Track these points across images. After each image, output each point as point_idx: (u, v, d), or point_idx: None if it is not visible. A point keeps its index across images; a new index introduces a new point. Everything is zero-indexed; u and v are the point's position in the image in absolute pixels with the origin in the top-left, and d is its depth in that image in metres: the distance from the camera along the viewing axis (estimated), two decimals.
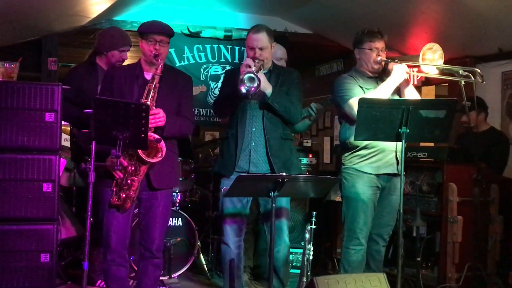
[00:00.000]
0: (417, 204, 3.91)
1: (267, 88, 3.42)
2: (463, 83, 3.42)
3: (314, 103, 4.44)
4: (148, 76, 3.20)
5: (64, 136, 3.69)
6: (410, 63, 3.50)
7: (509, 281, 3.98)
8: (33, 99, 3.09)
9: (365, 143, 3.48)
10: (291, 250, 4.57)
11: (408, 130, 3.15)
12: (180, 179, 4.71)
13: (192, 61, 5.89)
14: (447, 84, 5.56)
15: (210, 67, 5.96)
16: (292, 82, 3.59)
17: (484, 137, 4.68)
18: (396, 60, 3.50)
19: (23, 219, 3.09)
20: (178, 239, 4.50)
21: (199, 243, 4.64)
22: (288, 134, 3.64)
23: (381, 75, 3.62)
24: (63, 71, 5.45)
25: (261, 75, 3.38)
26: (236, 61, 5.95)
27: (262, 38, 3.48)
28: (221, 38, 5.91)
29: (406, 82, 3.52)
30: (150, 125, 2.98)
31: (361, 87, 3.55)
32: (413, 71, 3.92)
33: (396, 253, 3.25)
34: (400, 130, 3.16)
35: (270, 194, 3.02)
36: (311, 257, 3.34)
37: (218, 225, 3.76)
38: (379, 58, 3.53)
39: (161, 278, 4.20)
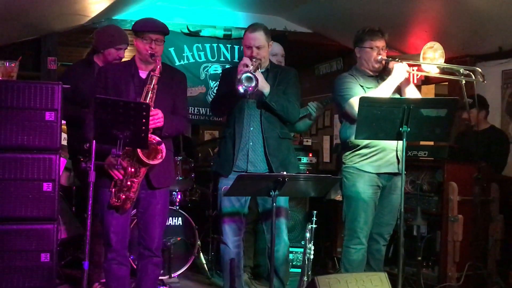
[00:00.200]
0: (417, 203, 3.90)
1: (264, 87, 3.41)
2: (463, 82, 3.42)
3: (312, 102, 4.42)
4: (143, 74, 3.18)
5: (63, 135, 3.68)
6: (411, 62, 3.50)
7: (510, 280, 3.98)
8: (33, 98, 3.08)
9: (366, 142, 3.47)
10: (291, 249, 4.57)
11: (409, 129, 3.15)
12: (180, 178, 4.71)
13: (191, 60, 5.88)
14: (447, 83, 5.56)
15: (210, 66, 5.94)
16: (290, 81, 3.58)
17: (484, 135, 4.68)
18: (397, 59, 3.49)
19: (23, 218, 3.08)
20: (178, 239, 4.49)
21: (199, 242, 4.63)
22: (286, 133, 3.63)
23: (382, 74, 3.62)
24: (62, 70, 5.43)
25: (259, 74, 3.37)
26: (236, 60, 5.94)
27: (259, 37, 3.47)
28: (221, 37, 5.90)
29: (407, 81, 3.51)
30: (149, 126, 2.97)
31: (361, 86, 3.54)
32: (413, 70, 3.93)
33: (397, 253, 3.24)
34: (401, 129, 3.16)
35: (271, 193, 3.01)
36: (312, 257, 3.33)
37: (218, 225, 3.75)
38: (379, 57, 3.52)
39: (161, 277, 4.20)
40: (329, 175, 3.20)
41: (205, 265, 4.73)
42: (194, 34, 5.82)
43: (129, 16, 5.58)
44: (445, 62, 3.50)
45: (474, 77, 3.45)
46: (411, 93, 3.54)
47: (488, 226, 4.06)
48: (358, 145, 3.51)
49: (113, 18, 5.54)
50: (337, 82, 3.62)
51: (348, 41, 5.98)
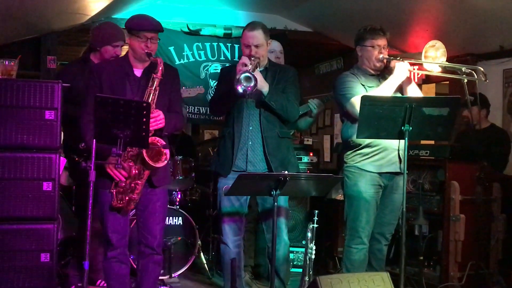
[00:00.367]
0: (419, 203, 3.89)
1: (263, 86, 3.39)
2: (465, 81, 3.40)
3: (313, 100, 4.40)
4: (137, 73, 3.16)
5: None
6: (413, 61, 3.48)
7: None
8: (33, 97, 3.06)
9: (367, 141, 3.45)
10: (292, 249, 4.56)
11: (411, 128, 3.13)
12: (180, 177, 4.70)
13: (191, 59, 5.86)
14: (447, 82, 5.54)
15: (210, 65, 5.92)
16: (289, 80, 3.56)
17: (485, 134, 4.66)
18: (399, 58, 3.47)
19: (23, 218, 3.06)
20: (179, 238, 4.48)
21: (199, 242, 4.61)
22: (285, 132, 3.61)
23: (383, 72, 3.60)
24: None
25: (258, 73, 3.35)
26: (236, 59, 5.92)
27: (257, 36, 3.44)
28: (221, 36, 5.88)
29: (409, 80, 3.49)
30: (151, 128, 2.97)
31: (363, 85, 3.52)
32: (414, 69, 3.91)
33: (399, 252, 3.23)
34: (403, 128, 3.14)
35: (272, 192, 2.99)
36: (313, 256, 3.32)
37: (218, 225, 3.74)
38: (381, 56, 3.50)
39: (161, 277, 4.18)
40: (330, 174, 3.18)
41: (205, 265, 4.71)
42: (194, 33, 5.80)
43: (129, 15, 5.46)
44: (446, 61, 3.49)
45: (476, 76, 3.43)
46: (413, 92, 3.52)
47: (490, 226, 4.05)
48: (360, 144, 3.49)
49: (113, 16, 5.52)
50: (338, 81, 3.60)
51: (348, 40, 5.98)
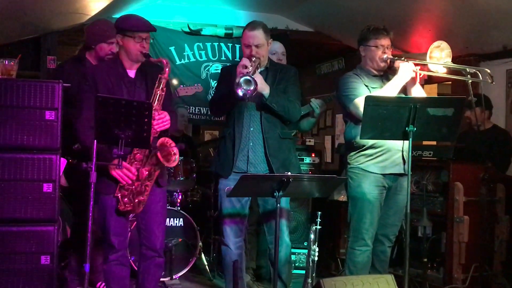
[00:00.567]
0: (423, 204, 3.86)
1: (264, 89, 3.36)
2: (470, 81, 3.37)
3: (315, 100, 4.37)
4: (131, 74, 3.14)
5: None
6: (417, 62, 3.44)
7: None
8: (33, 97, 3.02)
9: (371, 142, 3.42)
10: (294, 250, 4.53)
11: (415, 129, 3.09)
12: (181, 178, 4.67)
13: (192, 59, 5.83)
14: (450, 82, 5.51)
15: (211, 66, 5.90)
16: (290, 80, 3.53)
17: (487, 135, 4.63)
18: (403, 58, 3.43)
19: (23, 220, 3.02)
20: (179, 240, 4.45)
21: (200, 243, 4.58)
22: (287, 133, 3.58)
23: (387, 73, 3.57)
24: None
25: (258, 75, 3.31)
26: (237, 59, 5.90)
27: (258, 35, 3.41)
28: (222, 36, 5.86)
29: (413, 80, 3.46)
30: (158, 129, 3.01)
31: (366, 86, 3.49)
32: (417, 69, 3.86)
33: (402, 254, 3.20)
34: (407, 128, 3.10)
35: (275, 194, 2.96)
36: (316, 258, 3.28)
37: (219, 226, 3.72)
38: (385, 56, 3.47)
39: (162, 279, 4.16)
40: (334, 175, 3.15)
41: (206, 266, 4.68)
42: (195, 33, 5.77)
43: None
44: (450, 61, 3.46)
45: (481, 78, 3.40)
46: (417, 93, 3.49)
47: (494, 227, 4.02)
48: (364, 146, 3.46)
49: (113, 16, 5.48)
50: (341, 81, 3.56)
51: (350, 40, 5.97)
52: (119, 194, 3.02)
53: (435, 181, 4.04)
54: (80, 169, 2.82)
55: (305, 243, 4.74)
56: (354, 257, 3.50)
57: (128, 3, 5.31)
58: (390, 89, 3.39)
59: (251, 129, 3.46)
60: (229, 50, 5.93)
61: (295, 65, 3.89)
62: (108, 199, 3.06)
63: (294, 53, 5.82)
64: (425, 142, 4.49)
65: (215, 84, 5.78)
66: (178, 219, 4.55)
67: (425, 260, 3.82)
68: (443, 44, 3.35)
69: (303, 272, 3.62)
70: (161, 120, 3.03)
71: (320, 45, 6.56)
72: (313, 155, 5.02)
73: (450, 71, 3.45)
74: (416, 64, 3.44)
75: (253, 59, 3.36)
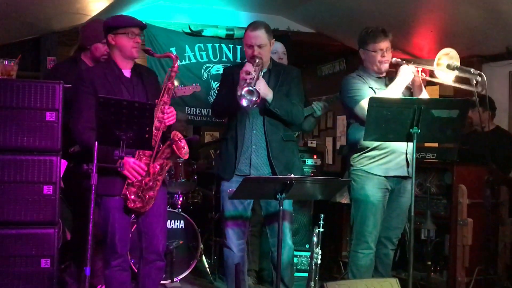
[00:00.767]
0: (428, 207, 3.83)
1: (267, 94, 3.33)
2: (475, 82, 3.33)
3: (318, 103, 4.35)
4: (127, 73, 3.12)
5: None
6: (425, 67, 3.41)
7: None
8: (33, 98, 2.98)
9: (376, 144, 3.39)
10: (295, 253, 4.49)
11: (419, 131, 3.06)
12: (182, 180, 4.64)
13: (193, 60, 5.80)
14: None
15: (212, 67, 5.87)
16: (292, 81, 3.50)
17: (490, 137, 4.60)
18: (412, 62, 3.41)
19: (23, 222, 2.98)
20: (180, 242, 4.42)
21: (201, 246, 4.55)
22: (290, 135, 3.55)
23: (390, 75, 3.54)
24: None
25: (261, 81, 3.29)
26: (238, 60, 5.87)
27: (260, 35, 3.38)
28: (223, 37, 5.83)
29: (419, 88, 3.43)
30: (167, 123, 3.05)
31: (371, 87, 3.46)
32: (422, 75, 3.82)
33: (406, 257, 3.16)
34: (411, 130, 3.07)
35: (278, 196, 2.93)
36: (319, 262, 3.25)
37: (221, 228, 3.69)
38: (394, 59, 3.45)
39: (162, 282, 4.13)
40: (337, 177, 3.12)
41: (207, 269, 4.66)
42: (196, 34, 5.75)
43: (130, 15, 5.49)
44: None
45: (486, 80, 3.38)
46: (423, 95, 3.46)
47: (498, 230, 3.99)
48: (368, 147, 3.43)
49: None
50: (345, 83, 3.53)
51: (351, 41, 5.94)
52: (126, 192, 2.99)
53: (438, 184, 4.01)
54: (78, 172, 2.78)
55: (307, 246, 4.71)
56: (357, 260, 3.47)
57: (129, 4, 5.29)
58: (390, 92, 3.36)
59: (254, 131, 3.43)
60: (230, 51, 5.90)
61: (296, 66, 3.86)
62: (112, 200, 3.02)
63: (295, 54, 5.80)
64: (429, 144, 4.47)
65: (216, 85, 5.79)
66: (179, 221, 4.52)
67: (429, 263, 3.79)
68: (452, 52, 3.30)
69: (305, 274, 3.59)
70: (171, 113, 3.05)
71: (321, 46, 6.54)
72: (315, 156, 4.99)
73: (457, 79, 3.39)
74: (423, 71, 3.41)
75: (257, 60, 3.34)
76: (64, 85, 3.08)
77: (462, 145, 4.35)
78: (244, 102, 3.19)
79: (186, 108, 5.76)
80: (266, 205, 3.50)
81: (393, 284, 2.82)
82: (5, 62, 3.10)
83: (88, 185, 2.71)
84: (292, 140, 3.58)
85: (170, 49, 5.65)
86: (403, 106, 3.08)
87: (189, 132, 7.01)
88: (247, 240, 3.82)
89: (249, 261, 4.08)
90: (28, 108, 2.98)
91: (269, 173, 3.42)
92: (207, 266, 4.66)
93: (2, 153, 2.98)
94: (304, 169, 4.63)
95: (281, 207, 2.95)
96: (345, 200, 4.60)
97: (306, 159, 4.91)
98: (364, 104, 3.31)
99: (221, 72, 5.74)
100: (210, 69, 5.87)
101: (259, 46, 3.37)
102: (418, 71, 3.43)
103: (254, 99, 3.18)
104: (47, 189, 2.99)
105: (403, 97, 3.39)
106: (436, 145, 4.50)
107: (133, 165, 2.96)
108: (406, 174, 3.44)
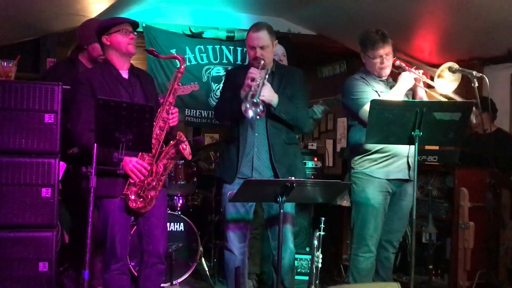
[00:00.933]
0: (429, 210, 3.81)
1: (272, 99, 3.32)
2: (476, 84, 3.32)
3: (318, 106, 4.34)
4: (124, 74, 3.12)
5: None
6: (422, 78, 3.45)
7: None
8: (32, 100, 2.97)
9: (378, 147, 3.37)
10: (296, 256, 4.46)
11: (421, 133, 3.04)
12: (182, 182, 4.62)
13: (193, 62, 5.77)
14: None
15: (212, 69, 5.84)
16: (296, 84, 3.49)
17: (491, 139, 4.57)
18: (415, 67, 3.42)
19: (21, 226, 2.97)
20: (180, 245, 4.39)
21: (201, 248, 4.52)
22: (292, 138, 3.53)
23: (393, 76, 3.53)
24: None
25: (266, 87, 3.28)
26: (239, 62, 5.85)
27: (263, 37, 3.36)
28: (223, 39, 5.81)
29: (420, 95, 3.44)
30: (172, 124, 3.07)
31: (375, 90, 3.44)
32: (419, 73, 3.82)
33: (407, 261, 3.14)
34: (413, 133, 3.05)
35: (278, 199, 2.91)
36: (320, 265, 3.23)
37: (221, 230, 3.67)
38: (397, 63, 3.44)
39: (162, 284, 4.09)
40: (338, 180, 3.10)
41: (207, 272, 4.63)
42: (196, 36, 5.72)
43: (130, 17, 5.36)
44: None
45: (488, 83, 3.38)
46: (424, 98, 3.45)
47: (500, 233, 3.97)
48: (370, 150, 3.41)
49: None
50: (348, 85, 3.50)
51: (352, 43, 5.92)
52: (128, 192, 2.97)
53: (440, 187, 4.00)
54: (77, 174, 2.76)
55: (307, 249, 4.69)
56: (358, 264, 3.44)
57: (129, 5, 5.26)
58: (391, 97, 3.35)
59: (256, 134, 3.42)
60: (230, 53, 5.88)
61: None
62: (112, 202, 3.00)
63: (295, 56, 5.77)
64: (430, 147, 4.45)
65: (216, 87, 5.77)
66: (178, 223, 4.50)
67: (430, 266, 3.78)
68: (456, 66, 3.32)
69: (305, 278, 3.58)
70: (175, 115, 3.08)
71: (322, 48, 6.51)
72: (315, 159, 4.97)
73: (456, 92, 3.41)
74: (425, 84, 3.44)
75: (261, 62, 3.32)
76: (64, 86, 3.06)
77: (462, 148, 4.34)
78: (251, 113, 3.18)
79: (186, 109, 5.74)
80: (268, 208, 3.48)
81: None
82: (4, 63, 3.09)
83: (87, 187, 2.69)
84: (294, 143, 3.57)
85: (171, 50, 5.63)
86: (405, 108, 3.06)
87: (188, 134, 6.99)
88: (248, 243, 3.80)
89: (250, 264, 4.05)
90: (26, 110, 2.97)
91: (272, 176, 3.40)
92: (206, 269, 4.63)
93: (0, 155, 2.96)
94: (306, 172, 4.61)
95: (281, 210, 2.92)
96: (345, 203, 4.58)
97: (307, 162, 4.88)
98: (368, 107, 3.29)
99: (221, 74, 5.75)
100: (210, 71, 5.84)
101: (262, 48, 3.36)
102: (419, 79, 3.43)
103: (259, 110, 3.18)
104: (45, 192, 2.97)
105: (405, 99, 3.37)
106: (437, 148, 4.48)
107: (136, 164, 2.95)
108: (407, 177, 3.42)
